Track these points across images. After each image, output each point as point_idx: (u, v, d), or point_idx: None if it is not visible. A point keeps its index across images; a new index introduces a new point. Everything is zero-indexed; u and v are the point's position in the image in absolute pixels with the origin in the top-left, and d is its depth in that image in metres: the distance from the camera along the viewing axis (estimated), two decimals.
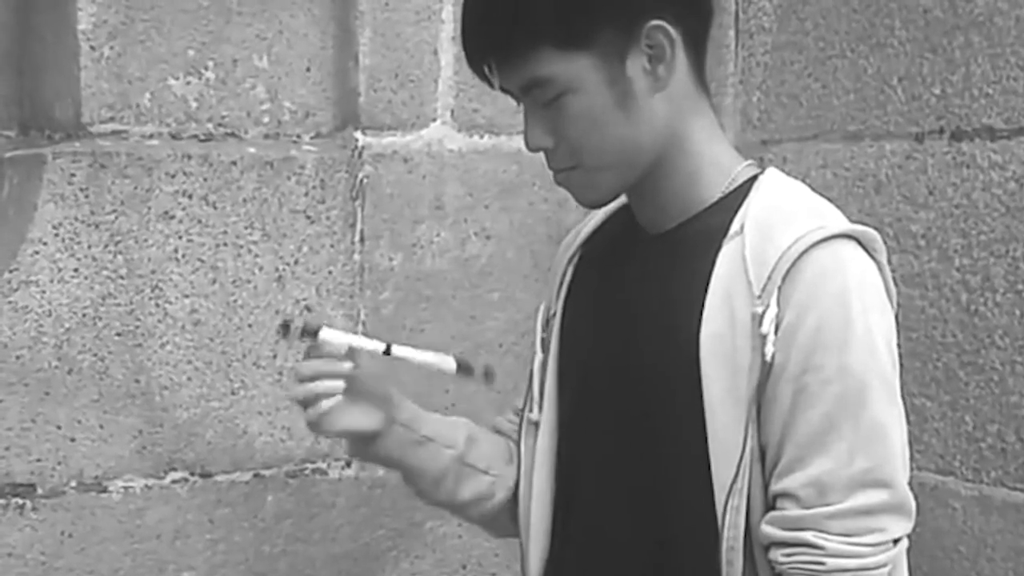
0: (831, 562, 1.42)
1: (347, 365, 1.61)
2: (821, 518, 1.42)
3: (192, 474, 2.45)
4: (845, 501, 1.42)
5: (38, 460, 2.32)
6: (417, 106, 2.63)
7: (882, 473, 1.44)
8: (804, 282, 1.43)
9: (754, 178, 1.55)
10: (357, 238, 2.59)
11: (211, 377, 2.45)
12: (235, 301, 2.46)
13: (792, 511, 1.44)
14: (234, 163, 2.47)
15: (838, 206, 1.55)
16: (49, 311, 2.31)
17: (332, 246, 2.56)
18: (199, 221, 2.43)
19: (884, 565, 1.44)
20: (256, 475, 2.51)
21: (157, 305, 2.40)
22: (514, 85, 1.52)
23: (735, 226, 1.49)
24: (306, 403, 1.61)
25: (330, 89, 2.60)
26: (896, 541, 1.46)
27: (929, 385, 2.57)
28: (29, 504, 2.31)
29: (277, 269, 2.51)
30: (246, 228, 2.47)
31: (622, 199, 1.62)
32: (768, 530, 1.45)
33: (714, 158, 1.56)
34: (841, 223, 1.49)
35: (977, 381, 2.51)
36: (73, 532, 2.35)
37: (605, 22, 1.47)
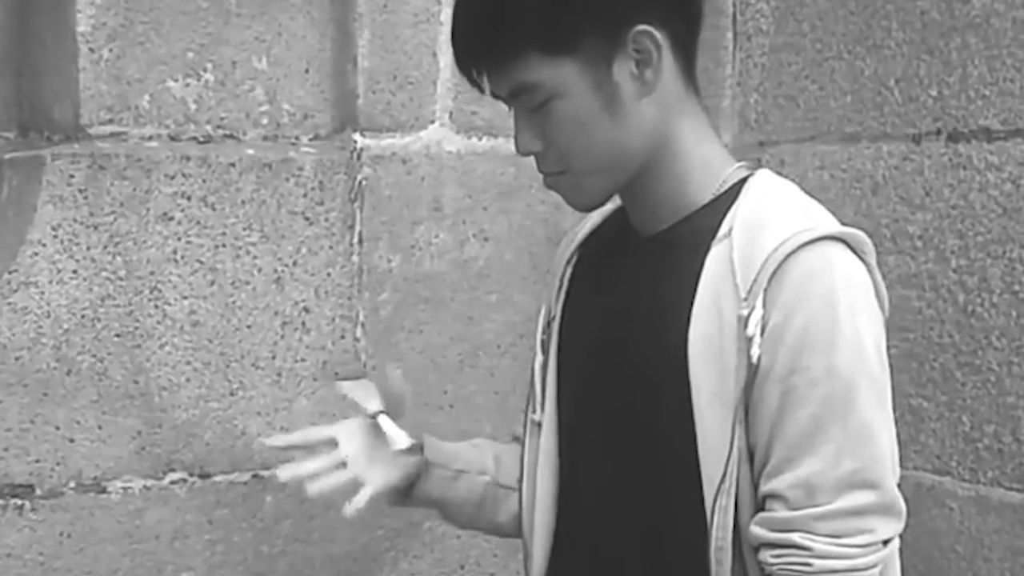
0: (819, 563, 1.42)
1: (338, 453, 1.69)
2: (809, 519, 1.43)
3: (191, 475, 2.45)
4: (833, 502, 1.43)
5: (37, 461, 2.32)
6: (416, 108, 2.63)
7: (870, 474, 1.44)
8: (790, 284, 1.43)
9: (745, 180, 1.55)
10: (356, 240, 2.59)
11: (210, 378, 2.45)
12: (234, 302, 2.47)
13: (780, 512, 1.44)
14: (233, 165, 2.47)
15: (835, 207, 1.55)
16: (48, 312, 2.31)
17: (331, 247, 2.56)
18: (198, 222, 2.43)
19: (874, 566, 1.44)
20: (255, 476, 2.51)
21: (156, 306, 2.40)
22: (502, 91, 1.53)
23: (724, 228, 1.50)
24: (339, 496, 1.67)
25: (329, 91, 2.60)
26: (886, 542, 1.46)
27: (926, 385, 2.58)
28: (28, 505, 2.31)
29: (276, 270, 2.51)
30: (245, 230, 2.48)
31: (619, 201, 1.63)
32: (757, 531, 1.46)
33: (704, 160, 1.57)
34: (829, 225, 1.49)
35: (974, 382, 2.52)
36: (72, 533, 2.35)
37: (590, 27, 1.48)
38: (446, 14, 2.62)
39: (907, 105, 2.63)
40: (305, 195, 2.53)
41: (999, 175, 2.46)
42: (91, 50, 2.37)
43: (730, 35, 2.99)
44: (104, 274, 2.36)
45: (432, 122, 2.65)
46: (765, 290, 1.43)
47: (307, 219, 2.54)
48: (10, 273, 2.29)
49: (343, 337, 2.57)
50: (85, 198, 2.34)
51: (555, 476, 1.69)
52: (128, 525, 2.40)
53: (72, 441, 2.34)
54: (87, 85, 2.37)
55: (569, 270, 1.72)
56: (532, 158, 1.57)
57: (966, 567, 2.53)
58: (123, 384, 2.38)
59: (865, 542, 1.44)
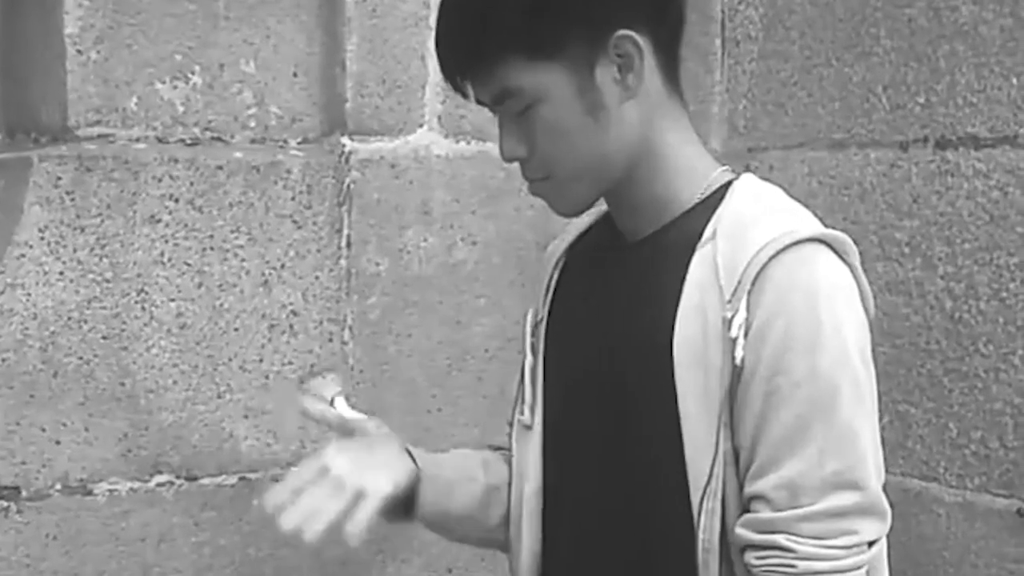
0: (802, 565, 1.42)
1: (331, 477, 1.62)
2: (792, 520, 1.43)
3: (178, 477, 2.45)
4: (816, 503, 1.43)
5: (23, 463, 2.31)
6: (404, 112, 2.63)
7: (853, 475, 1.44)
8: (773, 286, 1.43)
9: (729, 183, 1.56)
10: (344, 243, 2.59)
11: (197, 380, 2.45)
12: (221, 305, 2.47)
13: (764, 514, 1.45)
14: (221, 167, 2.47)
15: (823, 214, 1.56)
16: (34, 314, 2.31)
17: (319, 251, 2.56)
18: (185, 225, 2.43)
19: (858, 567, 1.44)
20: (242, 478, 2.51)
21: (143, 308, 2.40)
22: (486, 96, 1.53)
23: (708, 231, 1.50)
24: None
25: (317, 94, 2.60)
26: (871, 544, 1.46)
27: (913, 392, 2.58)
28: (14, 507, 2.30)
29: (263, 273, 2.51)
30: (232, 232, 2.48)
31: (598, 204, 1.64)
32: (741, 532, 1.46)
33: (688, 164, 1.57)
34: (812, 227, 1.49)
35: (961, 388, 2.52)
36: (58, 535, 2.34)
37: (573, 32, 1.48)
38: (435, 19, 2.61)
39: (895, 112, 2.63)
40: (293, 198, 2.53)
41: (987, 182, 2.47)
42: (79, 52, 2.36)
43: (719, 41, 2.99)
44: (91, 276, 2.35)
45: (420, 126, 2.66)
46: (749, 292, 1.43)
47: (295, 222, 2.53)
48: None
49: (331, 340, 2.57)
50: (72, 200, 2.33)
51: (542, 476, 1.69)
52: (114, 527, 2.39)
53: (58, 443, 2.34)
54: (75, 87, 2.37)
55: (556, 274, 1.72)
56: (513, 163, 1.58)
57: (953, 572, 2.53)
58: (110, 386, 2.37)
59: (849, 543, 1.44)
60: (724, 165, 1.60)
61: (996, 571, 2.47)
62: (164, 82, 2.45)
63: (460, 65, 1.52)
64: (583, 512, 1.63)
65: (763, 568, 1.44)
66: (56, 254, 2.32)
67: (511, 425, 1.76)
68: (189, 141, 2.47)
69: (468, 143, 2.69)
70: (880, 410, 1.51)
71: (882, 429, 1.51)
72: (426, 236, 2.66)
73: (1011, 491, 2.45)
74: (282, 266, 2.52)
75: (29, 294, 2.30)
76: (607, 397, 1.58)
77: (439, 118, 2.67)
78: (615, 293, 1.59)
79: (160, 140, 2.45)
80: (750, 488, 1.46)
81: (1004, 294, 2.44)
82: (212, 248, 2.46)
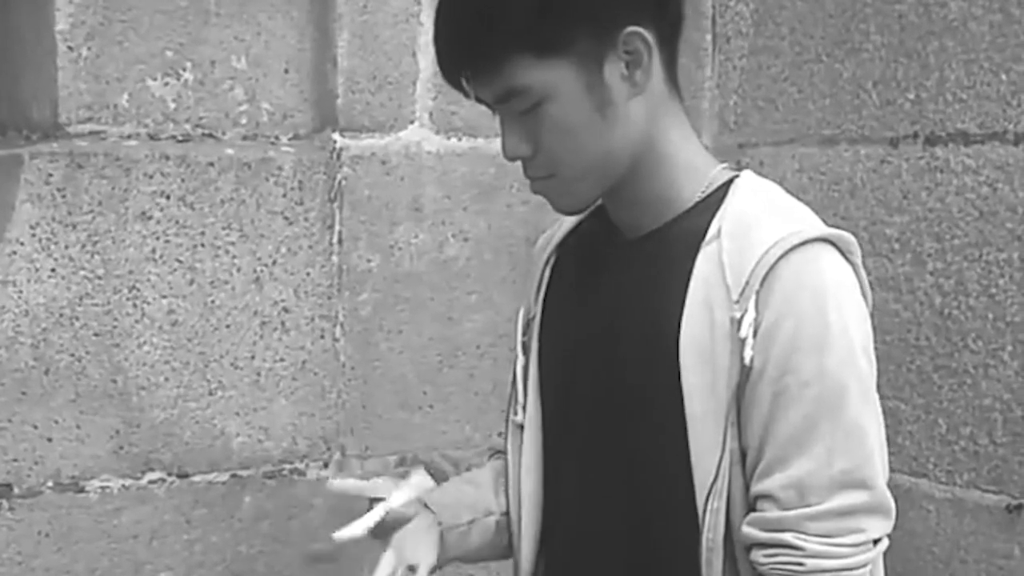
0: (811, 563, 1.43)
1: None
2: (801, 519, 1.43)
3: (169, 474, 2.45)
4: (825, 502, 1.43)
5: (15, 460, 2.31)
6: (395, 108, 2.63)
7: (861, 474, 1.45)
8: (782, 286, 1.44)
9: (730, 181, 1.56)
10: (335, 239, 2.59)
11: (188, 377, 2.45)
12: (213, 302, 2.46)
13: (772, 512, 1.45)
14: (212, 164, 2.47)
15: (814, 210, 1.56)
16: (26, 311, 2.31)
17: (310, 247, 2.56)
18: (177, 222, 2.43)
19: (864, 565, 1.45)
20: (234, 475, 2.51)
21: (134, 305, 2.40)
22: (491, 95, 1.51)
23: (712, 230, 1.50)
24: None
25: (308, 91, 2.60)
26: (876, 541, 1.47)
27: (903, 388, 2.59)
28: (6, 504, 2.30)
29: (255, 270, 2.51)
30: (224, 229, 2.48)
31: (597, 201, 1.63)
32: (749, 531, 1.46)
33: (690, 161, 1.57)
34: (817, 227, 1.50)
35: (950, 384, 2.53)
36: (50, 532, 2.34)
37: (582, 29, 1.47)
38: (426, 14, 2.62)
39: (885, 108, 2.64)
40: (284, 195, 2.53)
41: (976, 178, 2.47)
42: (70, 48, 2.36)
43: (709, 37, 2.99)
44: (82, 273, 2.35)
45: (412, 122, 2.66)
46: (757, 292, 1.44)
47: (286, 219, 2.53)
48: None
49: (322, 337, 2.57)
50: (63, 197, 2.33)
51: (540, 477, 1.70)
52: (106, 525, 2.39)
53: (50, 440, 2.34)
54: (66, 84, 2.37)
55: (548, 271, 1.71)
56: (515, 162, 1.57)
57: (943, 568, 2.54)
58: (101, 383, 2.37)
59: (856, 541, 1.44)
60: (723, 162, 1.60)
61: (985, 567, 2.48)
62: (155, 79, 2.44)
63: (464, 64, 1.50)
64: (584, 511, 1.62)
65: (771, 566, 1.44)
66: (47, 251, 2.32)
67: (506, 422, 1.76)
68: (180, 138, 2.47)
69: (459, 139, 2.70)
70: None
71: None
72: (417, 232, 2.66)
73: (1000, 487, 2.46)
74: (273, 263, 2.52)
75: (20, 291, 2.30)
76: (609, 395, 1.57)
77: (430, 114, 2.67)
78: (615, 290, 1.59)
79: (151, 137, 2.44)
80: (757, 487, 1.46)
81: (993, 290, 2.45)
82: (203, 245, 2.46)
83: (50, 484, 2.34)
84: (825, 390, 1.43)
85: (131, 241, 2.39)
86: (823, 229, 1.49)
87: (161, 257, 2.42)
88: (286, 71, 2.57)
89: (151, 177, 2.41)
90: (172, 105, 2.46)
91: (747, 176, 1.57)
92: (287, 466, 2.55)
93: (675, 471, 1.49)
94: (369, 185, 2.61)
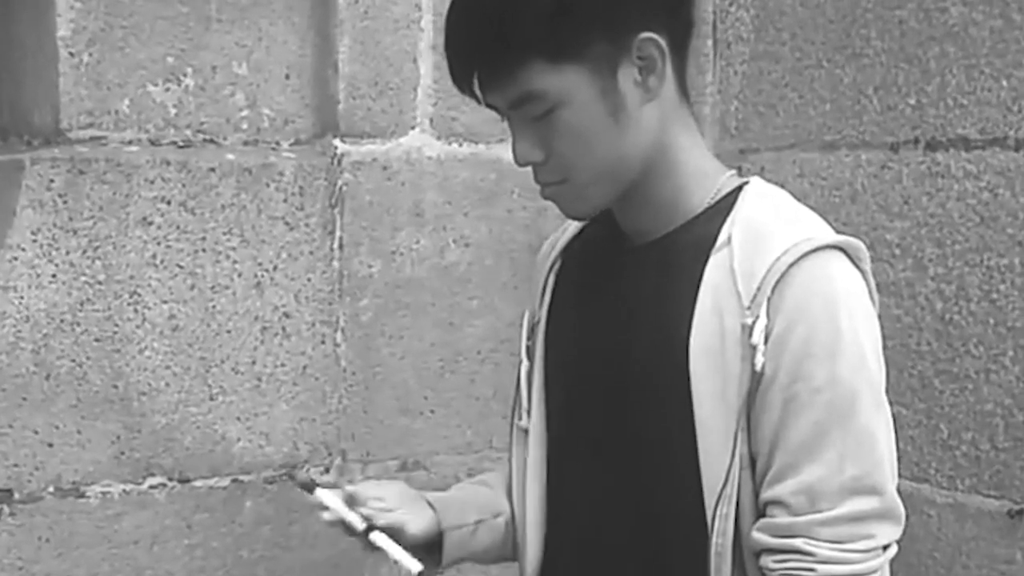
0: (821, 568, 1.43)
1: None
2: (812, 525, 1.43)
3: (170, 479, 2.45)
4: (835, 508, 1.43)
5: (15, 465, 2.31)
6: (396, 114, 2.64)
7: (872, 480, 1.45)
8: (793, 293, 1.44)
9: (739, 188, 1.56)
10: (336, 245, 2.59)
11: (189, 383, 2.45)
12: (214, 307, 2.47)
13: (783, 518, 1.45)
14: (213, 169, 2.47)
15: (817, 215, 1.56)
16: (27, 316, 2.31)
17: (311, 253, 2.56)
18: (178, 227, 2.43)
19: (874, 571, 1.46)
20: (234, 480, 2.51)
21: (135, 311, 2.40)
22: (503, 100, 1.51)
23: (722, 237, 1.50)
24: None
25: (309, 96, 2.60)
26: (886, 547, 1.47)
27: (904, 393, 2.58)
28: (7, 509, 2.30)
29: (256, 275, 2.51)
30: (225, 234, 2.48)
31: None
32: (759, 537, 1.46)
33: (699, 168, 1.57)
34: (828, 234, 1.50)
35: (952, 389, 2.53)
36: (51, 537, 2.34)
37: (597, 34, 1.47)
38: (427, 20, 2.62)
39: (885, 114, 2.64)
40: (285, 200, 2.53)
41: (977, 184, 2.47)
42: (71, 54, 2.36)
43: (710, 43, 2.99)
44: (83, 278, 2.35)
45: (412, 128, 2.66)
46: (769, 299, 1.44)
47: (287, 224, 2.54)
48: None
49: (323, 342, 2.57)
50: (64, 202, 2.33)
51: (544, 483, 1.69)
52: (107, 530, 2.39)
53: (51, 446, 2.34)
54: (67, 89, 2.37)
55: (552, 276, 1.71)
56: (515, 166, 1.56)
57: (944, 574, 2.54)
58: (102, 388, 2.37)
59: (866, 547, 1.45)
60: (731, 169, 1.60)
61: (987, 572, 2.48)
62: (156, 84, 2.45)
63: (478, 69, 1.50)
64: (591, 516, 1.62)
65: (782, 572, 1.44)
66: (48, 256, 2.32)
67: (511, 428, 1.76)
68: (181, 143, 2.47)
69: (460, 145, 2.70)
70: None
71: None
72: (418, 238, 2.66)
73: (1002, 492, 2.46)
74: (274, 268, 2.52)
75: (22, 297, 2.30)
76: (618, 400, 1.57)
77: (431, 120, 2.67)
78: (623, 296, 1.59)
79: (152, 142, 2.45)
80: (767, 493, 1.46)
81: (994, 295, 2.45)
82: (204, 250, 2.46)
83: (51, 489, 2.34)
84: (836, 396, 1.44)
85: (132, 246, 2.39)
86: (833, 236, 1.49)
87: (162, 262, 2.42)
88: (287, 77, 2.58)
89: (152, 182, 2.41)
90: (173, 111, 2.47)
91: (756, 183, 1.57)
92: (288, 471, 2.55)
93: (684, 476, 1.49)
94: (370, 191, 2.61)
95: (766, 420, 1.45)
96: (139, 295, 2.40)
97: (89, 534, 2.38)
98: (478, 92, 1.52)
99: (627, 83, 1.49)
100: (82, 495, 2.37)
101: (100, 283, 2.36)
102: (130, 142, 2.42)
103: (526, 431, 1.70)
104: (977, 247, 2.47)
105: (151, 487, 2.43)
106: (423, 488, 1.81)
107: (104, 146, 2.40)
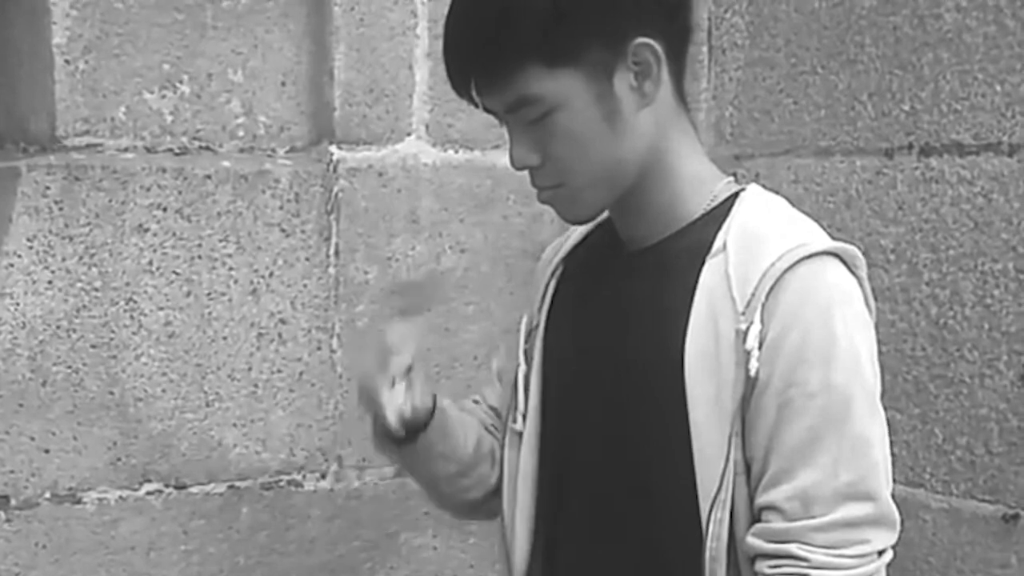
0: (815, 573, 1.42)
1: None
2: (806, 530, 1.43)
3: (167, 486, 2.45)
4: (830, 513, 1.43)
5: (12, 471, 2.32)
6: (392, 121, 2.64)
7: (866, 486, 1.45)
8: (788, 299, 1.44)
9: (736, 194, 1.56)
10: (332, 251, 2.59)
11: (185, 389, 2.45)
12: (210, 313, 2.47)
13: (777, 523, 1.45)
14: (209, 177, 2.47)
15: (813, 221, 1.57)
16: (23, 323, 2.31)
17: (307, 259, 2.57)
18: (174, 234, 2.44)
19: None
20: (231, 487, 2.51)
21: (131, 317, 2.40)
22: (500, 104, 1.51)
23: (718, 242, 1.50)
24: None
25: (305, 103, 2.61)
26: (880, 553, 1.47)
27: (899, 398, 2.59)
28: (3, 515, 2.31)
29: (252, 282, 2.51)
30: (221, 241, 2.48)
31: (605, 213, 1.63)
32: (753, 542, 1.46)
33: (696, 174, 1.57)
34: (823, 240, 1.51)
35: (946, 394, 2.53)
36: (47, 543, 2.35)
37: (593, 39, 1.47)
38: (422, 27, 2.63)
39: (880, 119, 2.64)
40: (281, 207, 2.54)
41: (971, 189, 2.48)
42: (67, 62, 2.37)
43: (705, 49, 3.00)
44: (79, 285, 2.36)
45: (408, 135, 2.66)
46: (763, 304, 1.44)
47: (283, 231, 2.54)
48: None
49: (319, 349, 2.58)
50: (60, 209, 2.34)
51: (535, 486, 1.69)
52: (103, 536, 2.39)
53: (47, 452, 2.34)
54: (63, 97, 2.37)
55: (553, 281, 1.71)
56: (512, 169, 1.57)
57: None
58: (98, 395, 2.38)
59: (860, 553, 1.44)
60: (728, 176, 1.60)
61: None
62: (152, 92, 2.45)
63: (475, 73, 1.50)
64: (584, 520, 1.62)
65: None
66: (45, 263, 2.33)
67: (503, 427, 1.76)
68: (177, 150, 2.48)
69: (456, 152, 2.70)
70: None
71: None
72: (414, 244, 2.66)
73: (997, 497, 2.46)
74: (270, 275, 2.53)
75: (18, 303, 2.30)
76: (612, 405, 1.57)
77: (427, 127, 2.67)
78: (620, 301, 1.59)
79: (148, 150, 2.45)
80: (762, 498, 1.46)
81: (989, 300, 2.45)
82: (200, 257, 2.46)
83: (47, 495, 2.35)
84: (831, 402, 1.44)
85: (128, 253, 2.40)
86: (829, 242, 1.50)
87: (158, 269, 2.42)
88: (283, 84, 2.58)
89: (148, 190, 2.41)
90: (169, 118, 2.47)
91: (753, 189, 1.57)
92: (284, 477, 2.56)
93: (679, 481, 1.49)
94: (366, 197, 2.61)
95: (761, 425, 1.45)
96: (135, 302, 2.40)
97: (85, 540, 2.38)
98: (475, 96, 1.52)
99: (623, 88, 1.50)
100: (79, 501, 2.37)
101: (96, 290, 2.37)
102: (126, 149, 2.43)
103: (520, 434, 1.70)
104: (971, 252, 2.48)
105: (147, 493, 2.43)
106: (421, 493, 1.82)
107: (100, 153, 2.40)
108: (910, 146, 2.59)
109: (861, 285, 1.51)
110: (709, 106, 3.01)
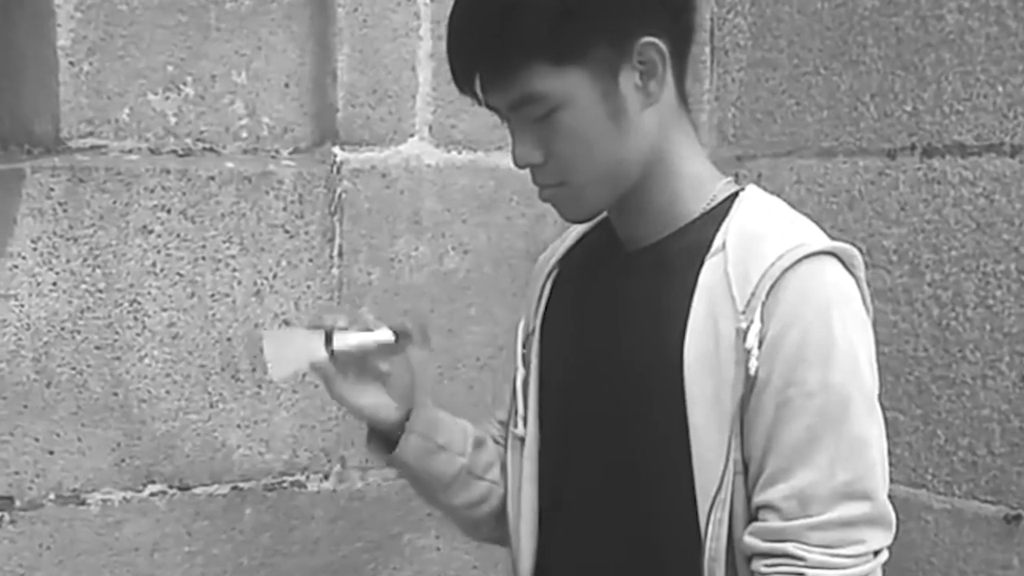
0: (812, 573, 1.43)
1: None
2: (802, 530, 1.44)
3: (170, 487, 2.45)
4: (826, 513, 1.44)
5: (16, 473, 2.32)
6: (395, 122, 2.64)
7: (863, 485, 1.45)
8: (787, 298, 1.44)
9: (735, 195, 1.57)
10: (335, 252, 2.60)
11: (189, 390, 2.46)
12: (213, 315, 2.47)
13: (774, 523, 1.45)
14: (212, 178, 2.48)
15: (812, 222, 1.57)
16: (28, 324, 2.31)
17: (311, 260, 2.57)
18: (177, 235, 2.44)
19: None
20: (234, 488, 2.51)
21: (135, 319, 2.40)
22: (504, 102, 1.52)
23: (717, 242, 1.51)
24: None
25: (308, 105, 2.61)
26: (877, 553, 1.47)
27: (901, 399, 2.59)
28: (7, 517, 2.31)
29: (255, 283, 2.52)
30: (224, 242, 2.48)
31: (602, 214, 1.63)
32: (750, 541, 1.46)
33: (696, 174, 1.58)
34: (822, 240, 1.51)
35: (948, 395, 2.53)
36: (51, 545, 2.35)
37: (599, 38, 1.47)
38: (425, 28, 2.63)
39: (882, 120, 2.64)
40: (285, 208, 2.54)
41: (973, 190, 2.48)
42: (71, 64, 2.37)
43: (708, 50, 3.00)
44: (84, 286, 2.36)
45: (411, 136, 2.66)
46: (763, 304, 1.44)
47: (287, 232, 2.54)
48: None
49: None
50: (65, 211, 2.34)
51: (538, 490, 1.70)
52: (107, 537, 2.40)
53: (51, 453, 2.34)
54: (67, 98, 2.38)
55: (549, 284, 1.72)
56: (515, 171, 1.57)
57: None
58: (102, 396, 2.38)
59: (856, 552, 1.45)
60: (728, 176, 1.61)
61: None
62: (156, 93, 2.45)
63: (479, 70, 1.51)
64: (586, 522, 1.63)
65: (772, 575, 1.45)
66: (49, 265, 2.33)
67: (505, 433, 1.76)
68: (181, 152, 2.48)
69: (459, 153, 2.70)
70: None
71: None
72: (417, 245, 2.67)
73: (999, 497, 2.46)
74: (274, 276, 2.53)
75: (22, 305, 2.31)
76: (612, 406, 1.58)
77: (430, 128, 2.68)
78: (618, 301, 1.59)
79: (152, 151, 2.45)
80: (759, 497, 1.46)
81: (991, 301, 2.46)
82: (204, 258, 2.46)
83: (51, 497, 2.35)
84: (829, 402, 1.44)
85: (132, 255, 2.40)
86: (828, 242, 1.50)
87: (162, 271, 2.42)
88: (286, 85, 2.59)
89: (152, 191, 2.42)
90: (173, 119, 2.47)
91: (752, 190, 1.58)
92: (288, 478, 2.56)
93: (678, 481, 1.49)
94: (369, 198, 2.62)
95: (759, 424, 1.46)
96: (139, 303, 2.41)
97: (90, 541, 2.38)
98: (479, 93, 1.53)
99: (628, 87, 1.50)
100: (83, 502, 2.38)
101: (100, 291, 2.37)
102: (130, 151, 2.43)
103: (521, 439, 1.70)
104: (973, 253, 2.48)
105: (151, 494, 2.44)
106: None
107: (104, 155, 2.41)
108: (912, 147, 2.59)
109: (859, 285, 1.51)
110: (712, 107, 3.01)
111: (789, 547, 1.44)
